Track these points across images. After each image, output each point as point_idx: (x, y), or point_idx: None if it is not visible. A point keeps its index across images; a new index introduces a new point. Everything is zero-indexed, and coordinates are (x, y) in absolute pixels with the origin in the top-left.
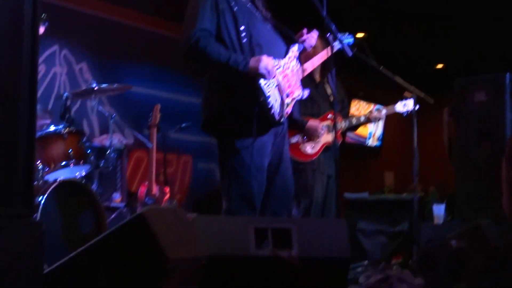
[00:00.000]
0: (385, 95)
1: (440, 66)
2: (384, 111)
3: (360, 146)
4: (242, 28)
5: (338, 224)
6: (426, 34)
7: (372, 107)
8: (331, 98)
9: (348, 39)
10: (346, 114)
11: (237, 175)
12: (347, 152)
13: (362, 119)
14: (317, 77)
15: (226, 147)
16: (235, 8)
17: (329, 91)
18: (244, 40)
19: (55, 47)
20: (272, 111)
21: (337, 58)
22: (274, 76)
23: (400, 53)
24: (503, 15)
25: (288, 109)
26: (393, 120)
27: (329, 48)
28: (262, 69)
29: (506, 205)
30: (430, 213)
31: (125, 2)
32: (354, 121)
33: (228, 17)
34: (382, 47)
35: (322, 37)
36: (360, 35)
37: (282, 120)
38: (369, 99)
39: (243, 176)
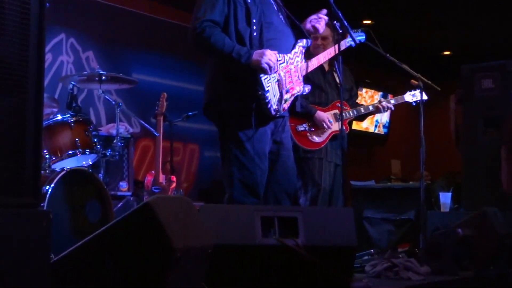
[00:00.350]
0: (391, 83)
1: (447, 53)
2: (393, 101)
3: (367, 134)
4: (254, 21)
5: (345, 212)
6: (433, 21)
7: (378, 95)
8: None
9: (360, 37)
10: (354, 103)
11: (240, 163)
12: (354, 140)
13: (371, 108)
14: (326, 65)
15: (229, 136)
16: (249, 1)
17: (337, 79)
18: (255, 34)
19: (62, 36)
20: (269, 105)
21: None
22: (276, 71)
23: (406, 41)
24: (510, 1)
25: (286, 105)
26: (399, 108)
27: (336, 46)
28: (264, 64)
29: (504, 181)
30: (436, 201)
31: None
32: (362, 110)
33: (240, 10)
34: (389, 35)
35: (333, 27)
36: (366, 22)
37: (277, 115)
38: (375, 87)
39: (246, 165)
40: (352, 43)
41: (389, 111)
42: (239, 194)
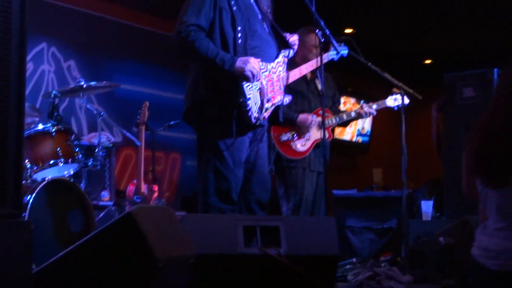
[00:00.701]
0: (373, 91)
1: (428, 61)
2: (374, 106)
3: (349, 143)
4: (239, 28)
5: (327, 221)
6: (415, 29)
7: (360, 103)
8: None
9: (343, 50)
10: (336, 110)
11: (217, 170)
12: (336, 149)
13: (353, 114)
14: (308, 74)
15: (207, 143)
16: (234, 8)
17: (319, 87)
18: (239, 41)
19: (43, 45)
20: (250, 113)
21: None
22: (259, 79)
23: (388, 49)
24: (491, 10)
25: (266, 114)
26: (381, 116)
27: (318, 58)
28: (247, 71)
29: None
30: (419, 209)
31: None
32: (344, 117)
33: (226, 16)
34: (370, 43)
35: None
36: (348, 30)
37: (258, 123)
38: (357, 95)
39: (223, 172)
40: (335, 56)
41: (371, 117)
42: (215, 201)
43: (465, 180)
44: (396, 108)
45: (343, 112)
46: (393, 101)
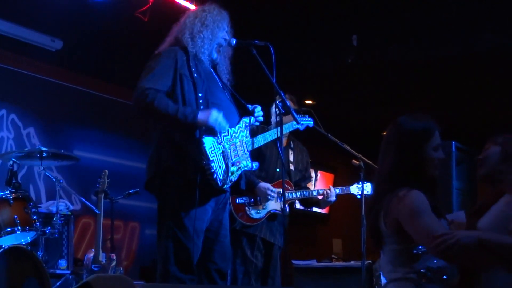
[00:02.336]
0: (333, 162)
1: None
2: (338, 190)
3: (309, 213)
4: (200, 94)
5: None
6: (374, 101)
7: (318, 173)
8: (291, 166)
9: (308, 121)
10: (305, 187)
11: (176, 238)
12: (296, 219)
13: (315, 193)
14: (285, 141)
15: (169, 211)
16: (195, 75)
17: (291, 158)
18: (201, 108)
19: (3, 112)
20: (215, 175)
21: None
22: (221, 142)
23: (348, 120)
24: (449, 84)
25: (233, 177)
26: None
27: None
28: (211, 122)
29: None
30: (378, 280)
31: (73, 66)
32: (306, 193)
33: (187, 83)
34: (330, 114)
35: (275, 106)
36: (308, 102)
37: (225, 187)
38: (316, 165)
39: (183, 241)
40: (300, 125)
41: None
42: (176, 270)
43: None
44: (359, 197)
45: (307, 189)
46: (357, 189)
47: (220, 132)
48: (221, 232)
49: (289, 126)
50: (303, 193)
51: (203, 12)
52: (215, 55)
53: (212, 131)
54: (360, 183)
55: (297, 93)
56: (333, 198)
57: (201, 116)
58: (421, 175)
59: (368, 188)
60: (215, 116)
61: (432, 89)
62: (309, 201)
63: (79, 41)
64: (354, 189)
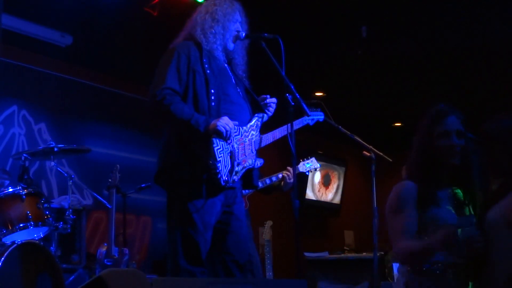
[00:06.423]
0: (344, 154)
1: (398, 124)
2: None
3: (320, 205)
4: (212, 91)
5: (299, 285)
6: (384, 93)
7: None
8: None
9: (318, 116)
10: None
11: (185, 232)
12: (307, 210)
13: (274, 179)
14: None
15: (178, 205)
16: (208, 71)
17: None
18: (213, 104)
19: (14, 108)
20: (219, 175)
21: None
22: (230, 143)
23: (358, 112)
24: (460, 75)
25: (236, 177)
26: (352, 179)
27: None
28: (220, 126)
29: None
30: (390, 272)
31: (84, 61)
32: (268, 181)
33: (199, 80)
34: (341, 106)
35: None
36: (318, 94)
37: (227, 185)
38: (327, 158)
39: (192, 235)
40: (310, 121)
41: (342, 181)
42: (184, 263)
43: None
44: (307, 173)
45: (266, 177)
46: (304, 166)
47: (228, 133)
48: (234, 223)
49: (299, 122)
50: (264, 181)
51: (214, 7)
52: (231, 46)
53: (219, 135)
54: (306, 160)
55: (307, 86)
56: (292, 180)
57: (213, 123)
58: (431, 164)
59: (312, 164)
60: (225, 123)
61: (443, 80)
62: (269, 188)
63: (89, 36)
64: (301, 167)
